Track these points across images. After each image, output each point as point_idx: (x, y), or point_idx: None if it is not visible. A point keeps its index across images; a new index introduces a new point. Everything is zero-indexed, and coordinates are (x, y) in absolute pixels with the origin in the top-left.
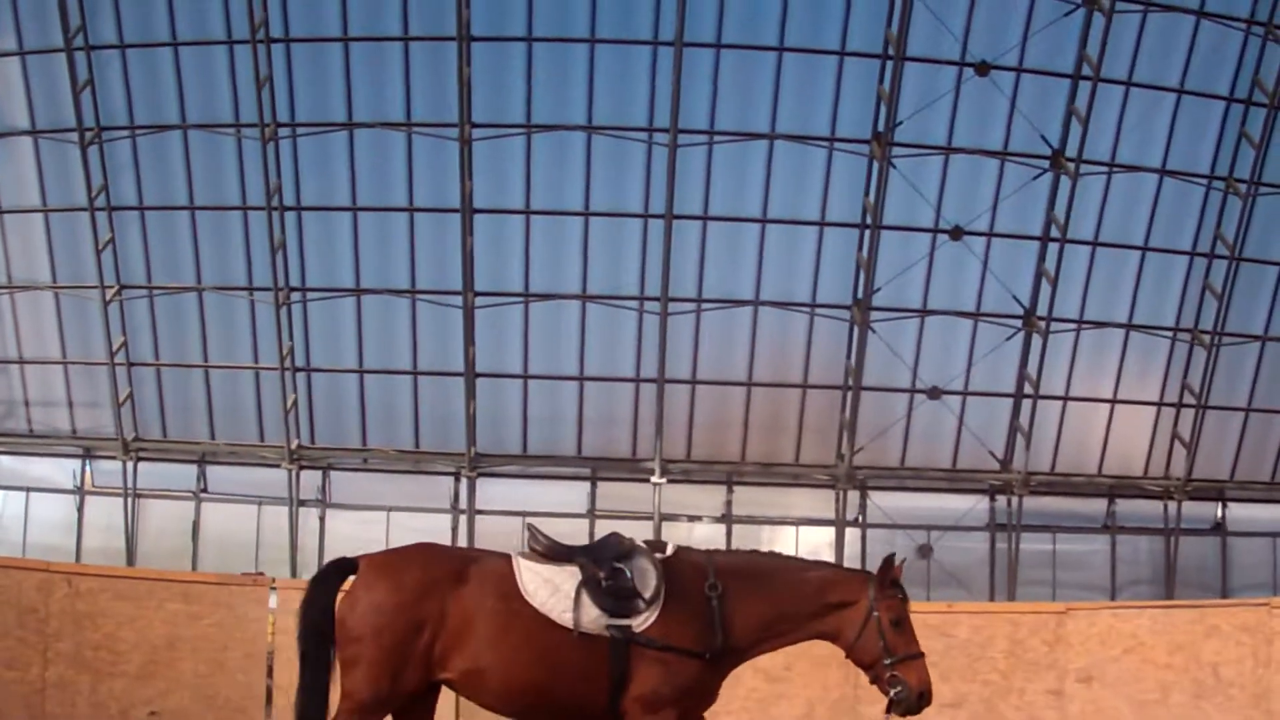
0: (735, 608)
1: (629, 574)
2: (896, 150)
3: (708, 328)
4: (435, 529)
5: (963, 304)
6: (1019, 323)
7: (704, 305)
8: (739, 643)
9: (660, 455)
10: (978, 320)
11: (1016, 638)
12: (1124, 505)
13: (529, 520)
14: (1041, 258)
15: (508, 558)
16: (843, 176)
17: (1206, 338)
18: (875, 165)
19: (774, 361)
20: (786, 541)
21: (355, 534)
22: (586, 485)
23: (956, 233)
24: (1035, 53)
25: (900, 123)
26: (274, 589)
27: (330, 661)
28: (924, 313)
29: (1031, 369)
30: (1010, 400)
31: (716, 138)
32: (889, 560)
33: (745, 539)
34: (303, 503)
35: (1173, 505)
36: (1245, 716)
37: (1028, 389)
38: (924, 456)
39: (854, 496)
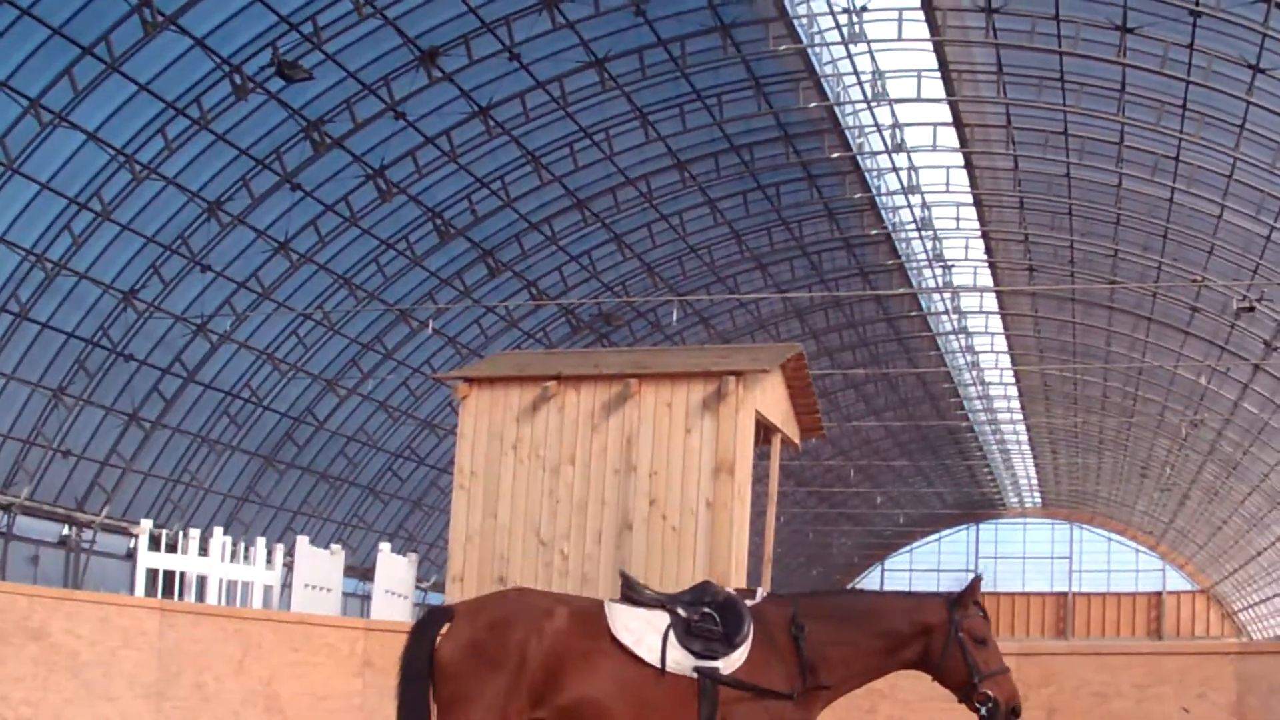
0: (820, 648)
1: (717, 618)
2: None
3: None
4: None
5: None
6: None
7: None
8: (825, 681)
9: None
10: None
11: None
12: None
13: (621, 569)
14: None
15: (600, 602)
16: None
17: None
18: None
19: None
20: None
21: None
22: None
23: None
24: None
25: None
26: None
27: (428, 710)
28: None
29: None
30: None
31: None
32: (976, 580)
33: None
34: None
35: None
36: None
37: None
38: None
39: None
